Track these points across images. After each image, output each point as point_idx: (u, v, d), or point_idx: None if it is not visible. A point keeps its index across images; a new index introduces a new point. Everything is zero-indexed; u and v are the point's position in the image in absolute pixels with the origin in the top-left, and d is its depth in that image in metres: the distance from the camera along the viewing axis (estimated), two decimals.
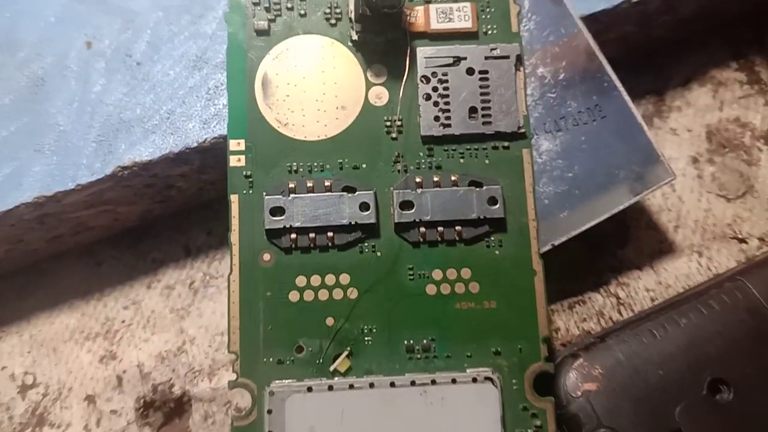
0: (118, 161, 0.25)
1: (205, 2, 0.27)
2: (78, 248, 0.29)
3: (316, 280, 0.23)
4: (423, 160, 0.24)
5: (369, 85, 0.24)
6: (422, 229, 0.23)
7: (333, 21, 0.24)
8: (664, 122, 0.30)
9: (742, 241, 0.28)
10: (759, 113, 0.30)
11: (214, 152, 0.24)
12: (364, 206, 0.23)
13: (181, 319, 0.28)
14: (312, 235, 0.23)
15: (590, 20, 0.26)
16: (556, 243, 0.23)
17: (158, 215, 0.29)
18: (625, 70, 0.29)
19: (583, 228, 0.24)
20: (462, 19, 0.24)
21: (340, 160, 0.23)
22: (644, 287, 0.28)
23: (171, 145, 0.25)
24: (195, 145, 0.25)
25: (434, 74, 0.24)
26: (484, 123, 0.24)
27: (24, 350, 0.28)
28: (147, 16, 0.26)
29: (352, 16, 0.23)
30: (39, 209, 0.25)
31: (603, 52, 0.25)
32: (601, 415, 0.22)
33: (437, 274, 0.23)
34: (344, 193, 0.23)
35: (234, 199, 0.23)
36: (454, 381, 0.22)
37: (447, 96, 0.24)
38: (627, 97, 0.24)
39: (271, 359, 0.22)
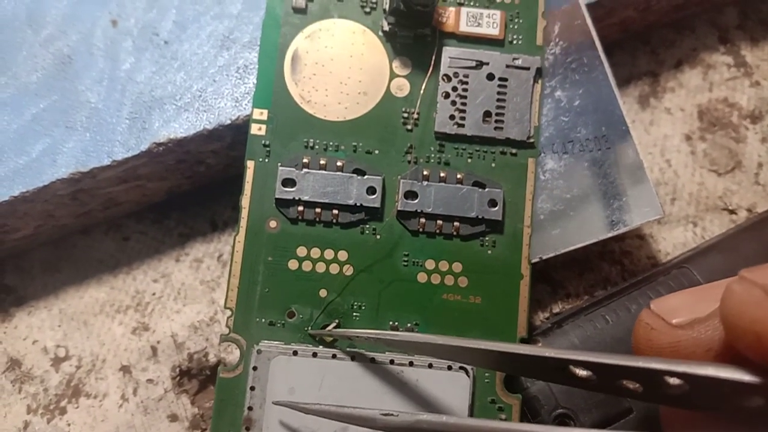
0: (153, 138, 0.25)
1: None
2: (106, 223, 0.29)
3: (315, 252, 0.24)
4: (433, 155, 0.25)
5: (393, 76, 0.25)
6: (422, 220, 0.24)
7: (368, 9, 0.25)
8: (659, 102, 0.31)
9: (732, 212, 0.30)
10: (745, 94, 0.31)
11: (245, 129, 0.24)
12: (371, 190, 0.24)
13: (212, 291, 0.28)
14: (318, 210, 0.24)
15: (595, 6, 0.27)
16: (545, 257, 0.25)
17: (184, 191, 0.29)
18: (624, 53, 0.32)
19: (571, 248, 0.25)
20: (490, 25, 0.25)
21: (355, 143, 0.24)
22: (645, 255, 0.29)
23: (204, 123, 0.25)
24: (228, 122, 0.25)
25: (456, 74, 0.25)
26: (496, 128, 0.25)
27: (54, 324, 0.28)
28: None
29: (387, 7, 0.24)
30: (74, 185, 0.25)
31: (604, 36, 0.26)
32: (558, 397, 0.23)
33: (430, 264, 0.24)
34: (354, 175, 0.24)
35: (250, 165, 0.24)
36: (430, 366, 0.23)
37: (465, 97, 0.25)
38: (633, 134, 0.25)
39: (263, 320, 0.23)
